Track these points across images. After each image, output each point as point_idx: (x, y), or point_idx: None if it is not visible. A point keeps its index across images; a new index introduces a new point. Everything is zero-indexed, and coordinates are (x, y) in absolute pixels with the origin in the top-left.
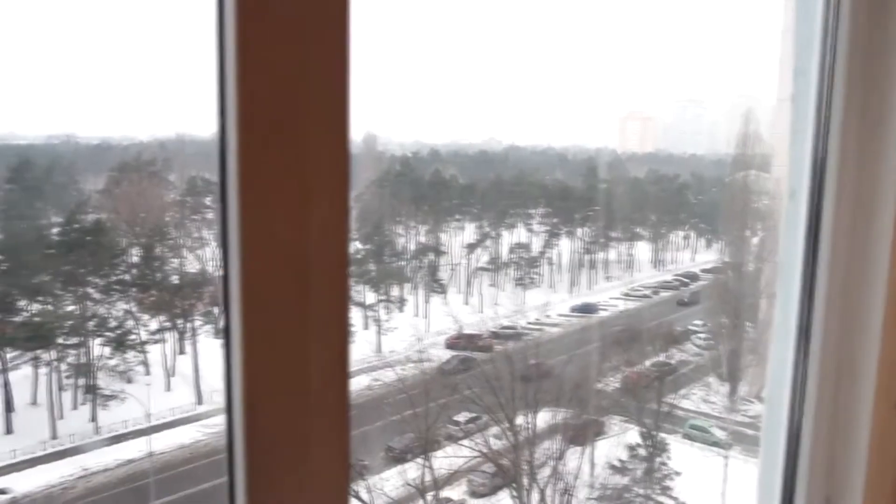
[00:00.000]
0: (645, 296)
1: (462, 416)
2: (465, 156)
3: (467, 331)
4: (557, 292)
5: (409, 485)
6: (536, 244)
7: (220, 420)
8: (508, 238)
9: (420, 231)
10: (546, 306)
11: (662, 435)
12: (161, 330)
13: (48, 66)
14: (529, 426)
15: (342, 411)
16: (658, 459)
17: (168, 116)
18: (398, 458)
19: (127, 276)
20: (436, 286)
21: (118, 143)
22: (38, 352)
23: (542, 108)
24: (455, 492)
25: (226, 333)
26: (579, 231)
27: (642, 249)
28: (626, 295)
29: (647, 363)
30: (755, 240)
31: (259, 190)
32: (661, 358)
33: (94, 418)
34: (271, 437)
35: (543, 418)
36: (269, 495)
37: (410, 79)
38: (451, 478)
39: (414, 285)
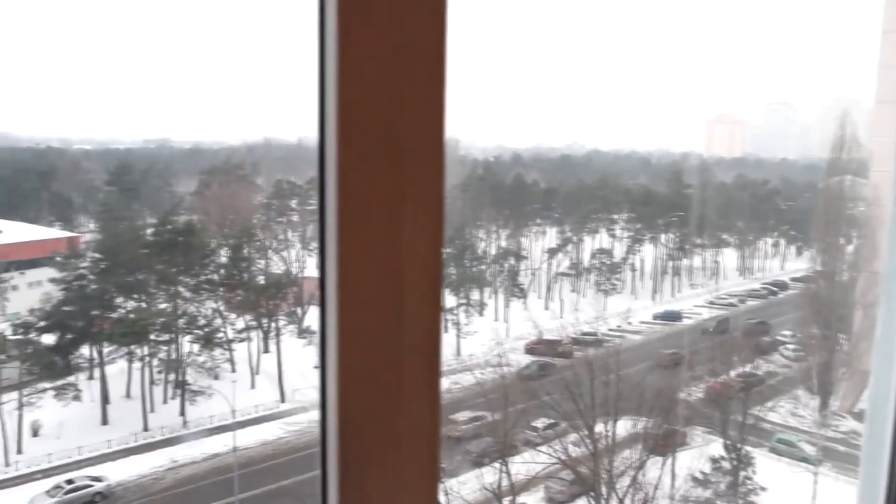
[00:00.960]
0: (731, 304)
1: (540, 422)
2: (547, 160)
3: (547, 336)
4: (639, 299)
5: (486, 489)
6: (619, 250)
7: (301, 418)
8: (590, 243)
9: (501, 235)
10: (628, 313)
11: (748, 448)
12: (247, 329)
13: (145, 74)
14: (609, 434)
15: (433, 412)
16: (743, 473)
17: (256, 122)
18: (476, 461)
19: (215, 276)
20: (516, 291)
21: (209, 147)
22: (133, 347)
23: (627, 112)
24: (532, 498)
25: (321, 333)
26: (663, 237)
27: (729, 256)
28: (712, 303)
29: (733, 373)
30: (850, 248)
31: (356, 194)
32: (748, 368)
33: (182, 412)
34: (363, 435)
35: (623, 426)
36: (360, 491)
37: (493, 82)
38: (529, 483)
39: (494, 289)
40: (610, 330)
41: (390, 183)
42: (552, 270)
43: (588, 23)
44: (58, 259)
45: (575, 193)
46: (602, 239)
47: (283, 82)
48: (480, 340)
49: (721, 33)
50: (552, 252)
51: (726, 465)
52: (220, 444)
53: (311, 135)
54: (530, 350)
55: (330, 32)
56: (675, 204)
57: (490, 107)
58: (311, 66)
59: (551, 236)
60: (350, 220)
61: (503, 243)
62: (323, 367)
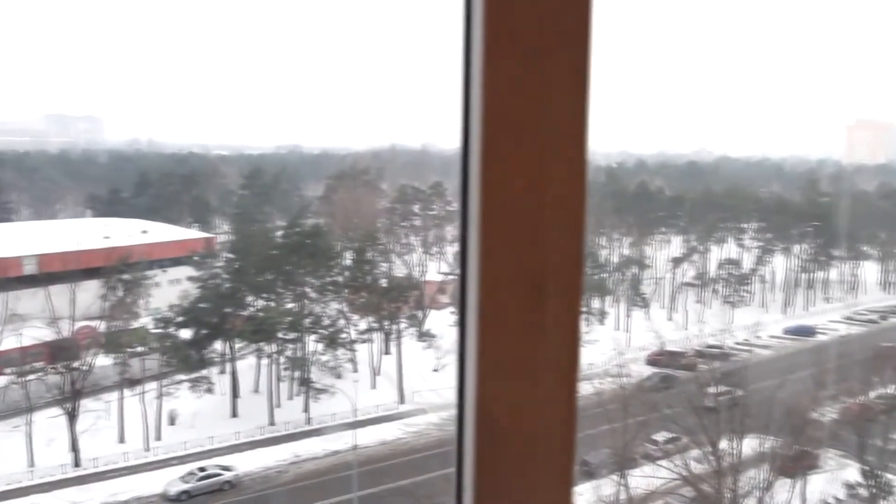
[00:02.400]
0: (871, 321)
1: (661, 436)
2: (673, 167)
3: (670, 348)
4: (770, 312)
5: (602, 501)
6: (748, 260)
7: (419, 420)
8: (717, 253)
9: (623, 243)
10: (756, 326)
11: (888, 476)
12: (369, 330)
13: (279, 83)
14: (734, 452)
15: (569, 418)
16: (882, 502)
17: (382, 128)
18: (593, 472)
19: (340, 278)
20: (638, 300)
21: (337, 152)
22: (261, 344)
23: (759, 117)
24: None
25: (460, 336)
26: (796, 248)
27: (869, 270)
28: (849, 319)
29: (872, 395)
30: None
31: (499, 199)
32: (889, 390)
33: (306, 409)
34: (500, 439)
35: (750, 445)
36: (496, 493)
37: (618, 86)
38: (648, 498)
39: (616, 298)
40: (737, 343)
41: (532, 188)
42: (676, 280)
43: (718, 23)
44: (195, 258)
45: (702, 201)
46: (730, 249)
47: (408, 90)
48: (601, 350)
49: (862, 33)
50: (677, 261)
51: (863, 492)
52: (340, 442)
53: (435, 141)
54: (652, 361)
55: (476, 38)
56: (809, 213)
57: (614, 111)
58: (437, 73)
59: (676, 245)
60: (492, 224)
61: (626, 251)
62: (461, 369)
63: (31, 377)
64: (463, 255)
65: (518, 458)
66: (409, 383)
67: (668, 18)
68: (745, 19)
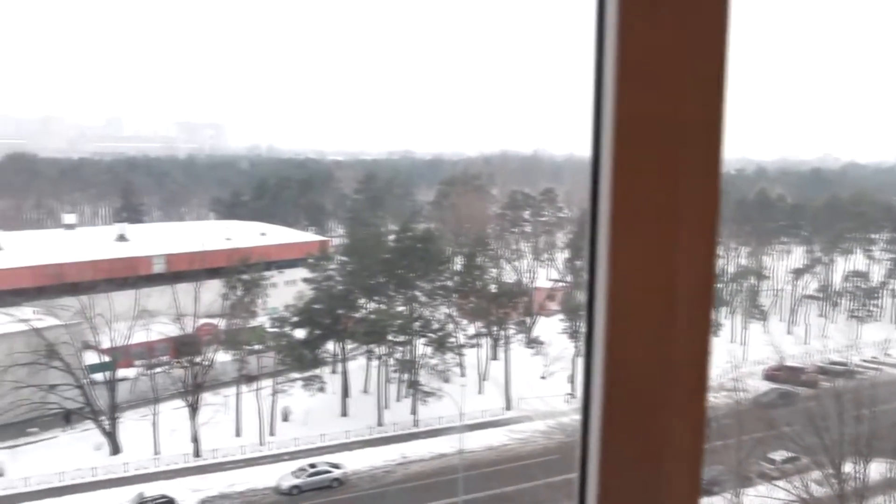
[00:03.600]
0: None
1: (778, 455)
2: (796, 173)
3: (790, 363)
4: None
5: None
6: (877, 273)
7: (526, 427)
8: (843, 265)
9: (741, 253)
10: (887, 343)
11: None
12: (477, 335)
13: (393, 90)
14: (859, 476)
15: (698, 429)
16: None
17: (494, 134)
18: (704, 489)
19: (450, 283)
20: (756, 312)
21: (449, 158)
22: (372, 346)
23: (890, 121)
24: None
25: (587, 343)
26: None
27: None
28: None
29: None
30: None
31: (630, 208)
32: None
33: (414, 411)
34: (626, 447)
35: (877, 469)
36: (621, 498)
37: (737, 90)
38: None
39: (731, 309)
40: (864, 360)
41: (665, 196)
42: (797, 292)
43: (846, 21)
44: (310, 260)
45: (827, 210)
46: (857, 260)
47: (520, 96)
48: (715, 362)
49: None
50: (798, 273)
51: None
52: (447, 445)
53: (546, 146)
54: (770, 376)
55: (609, 38)
56: None
57: (733, 115)
58: (549, 78)
59: (798, 256)
60: (622, 232)
61: (743, 261)
62: (588, 375)
63: (158, 370)
64: (591, 264)
65: (644, 471)
66: (515, 390)
67: (792, 17)
68: (875, 17)
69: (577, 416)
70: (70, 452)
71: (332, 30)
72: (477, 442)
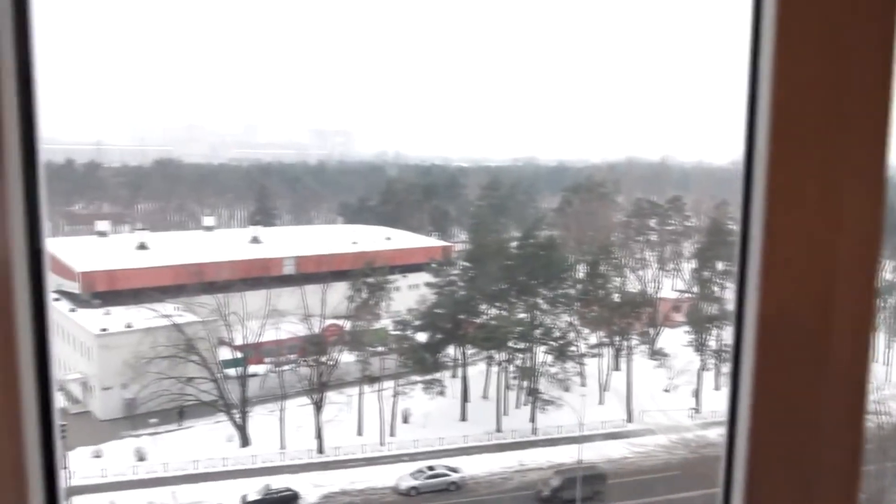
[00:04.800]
0: None
1: None
2: None
3: None
4: None
5: None
6: None
7: (647, 441)
8: None
9: (887, 266)
10: None
11: None
12: (599, 345)
13: (519, 97)
14: None
15: (854, 452)
16: None
17: (619, 141)
18: None
19: (572, 291)
20: None
21: (573, 165)
22: (492, 352)
23: None
24: None
25: (735, 354)
26: None
27: None
28: None
29: None
30: None
31: (786, 215)
32: None
33: (532, 419)
34: (774, 467)
35: None
36: None
37: None
38: None
39: (875, 326)
40: None
41: (824, 204)
42: None
43: None
44: (434, 265)
45: None
46: None
47: (646, 102)
48: None
49: None
50: None
51: None
52: (565, 455)
53: (674, 153)
54: None
55: (766, 41)
56: None
57: None
58: (676, 84)
59: None
60: (776, 241)
61: (888, 275)
62: (734, 389)
63: (286, 368)
64: (741, 274)
65: (794, 494)
66: (637, 402)
67: None
68: None
69: (701, 433)
70: (204, 442)
71: (459, 37)
72: (596, 453)
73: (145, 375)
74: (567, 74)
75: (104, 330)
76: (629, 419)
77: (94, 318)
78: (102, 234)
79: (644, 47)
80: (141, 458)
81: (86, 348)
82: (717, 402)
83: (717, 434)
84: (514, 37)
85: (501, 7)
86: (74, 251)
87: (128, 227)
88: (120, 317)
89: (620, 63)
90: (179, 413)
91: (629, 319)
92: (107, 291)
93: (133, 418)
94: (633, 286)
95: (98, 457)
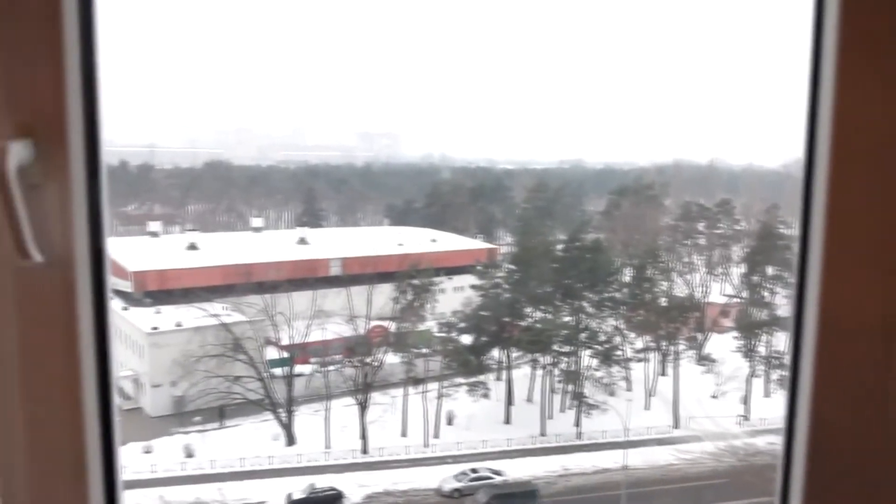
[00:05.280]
0: None
1: None
2: None
3: None
4: None
5: None
6: None
7: (694, 447)
8: None
9: None
10: None
11: None
12: (645, 349)
13: (563, 100)
14: None
15: None
16: None
17: (667, 143)
18: None
19: (618, 295)
20: None
21: (620, 167)
22: (537, 355)
23: None
24: None
25: (793, 359)
26: None
27: None
28: None
29: None
30: None
31: (846, 217)
32: None
33: (577, 423)
34: (834, 481)
35: None
36: None
37: None
38: None
39: None
40: None
41: (885, 210)
42: None
43: None
44: (479, 268)
45: None
46: None
47: (694, 103)
48: None
49: None
50: None
51: None
52: (610, 460)
53: (723, 156)
54: None
55: (828, 45)
56: None
57: None
58: (726, 85)
59: None
60: (837, 250)
61: None
62: (792, 396)
63: (331, 368)
64: (800, 279)
65: (855, 497)
66: (684, 408)
67: None
68: None
69: (750, 440)
70: (251, 440)
71: (507, 39)
72: (641, 459)
73: (194, 373)
74: (615, 75)
75: (155, 328)
76: (676, 425)
77: (146, 317)
78: (154, 234)
79: (694, 48)
80: (189, 455)
81: (137, 346)
82: (766, 409)
83: (767, 442)
84: (562, 37)
85: (550, 8)
86: (127, 251)
87: (178, 227)
88: (170, 316)
89: (669, 64)
90: (221, 412)
91: (676, 324)
92: (158, 291)
93: (182, 415)
94: (680, 290)
95: (148, 452)
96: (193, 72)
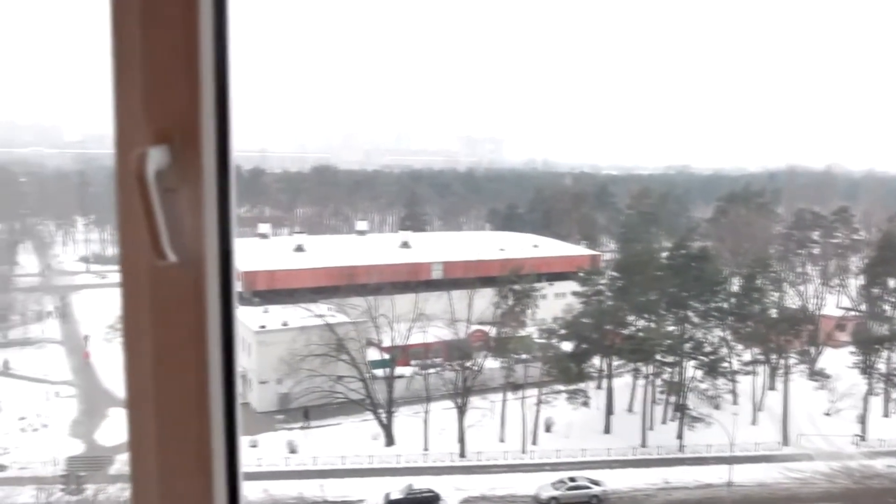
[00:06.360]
0: None
1: None
2: None
3: None
4: None
5: None
6: None
7: (805, 467)
8: None
9: None
10: None
11: None
12: (753, 362)
13: (671, 104)
14: None
15: None
16: None
17: (780, 148)
18: None
19: (725, 305)
20: None
21: (729, 173)
22: (639, 364)
23: None
24: None
25: None
26: None
27: None
28: None
29: None
30: None
31: None
32: None
33: (680, 436)
34: None
35: None
36: None
37: None
38: None
39: None
40: None
41: None
42: None
43: None
44: (581, 274)
45: None
46: None
47: (810, 105)
48: None
49: None
50: None
51: None
52: (714, 475)
53: (841, 161)
54: None
55: None
56: None
57: None
58: (845, 87)
59: None
60: None
61: None
62: None
63: (431, 371)
64: None
65: None
66: (795, 424)
67: None
68: None
69: (866, 462)
70: (351, 439)
71: (612, 43)
72: (747, 476)
73: (299, 372)
74: (725, 77)
75: (262, 327)
76: (785, 442)
77: (254, 316)
78: (264, 236)
79: (812, 44)
80: (292, 451)
81: (246, 344)
82: (885, 429)
83: (886, 465)
84: (671, 39)
85: (658, 10)
86: (238, 251)
87: (287, 230)
88: (277, 315)
89: (783, 64)
90: (305, 413)
91: (787, 337)
92: (266, 290)
93: (286, 412)
94: (792, 302)
95: (254, 446)
96: (302, 78)
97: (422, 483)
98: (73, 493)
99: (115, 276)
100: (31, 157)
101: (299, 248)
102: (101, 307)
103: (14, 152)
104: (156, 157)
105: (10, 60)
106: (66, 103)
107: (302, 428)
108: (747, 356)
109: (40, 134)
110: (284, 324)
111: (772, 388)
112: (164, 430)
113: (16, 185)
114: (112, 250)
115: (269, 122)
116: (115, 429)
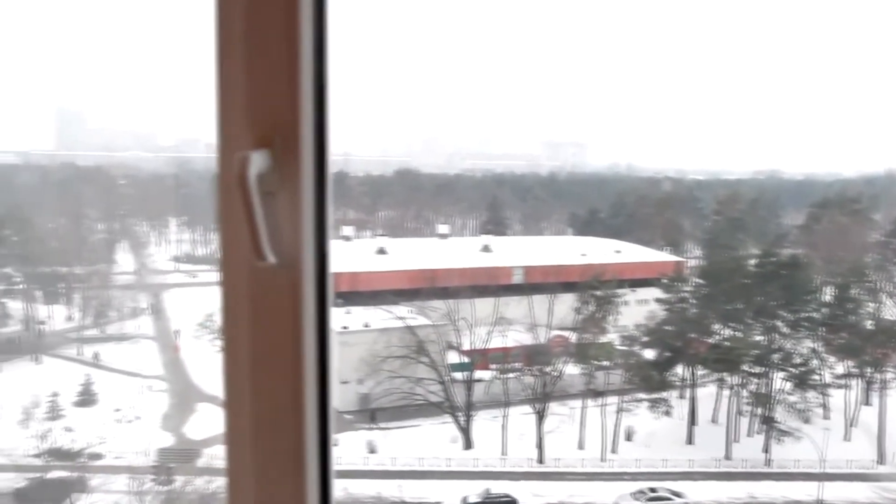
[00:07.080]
0: None
1: None
2: None
3: None
4: None
5: None
6: None
7: None
8: None
9: None
10: None
11: None
12: (847, 375)
13: (760, 108)
14: None
15: None
16: None
17: (878, 152)
18: None
19: (816, 315)
20: None
21: (822, 179)
22: (724, 374)
23: None
24: None
25: None
26: None
27: None
28: None
29: None
30: None
31: None
32: None
33: (766, 449)
34: None
35: None
36: None
37: None
38: None
39: None
40: None
41: None
42: None
43: None
44: (664, 281)
45: None
46: None
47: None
48: None
49: None
50: None
51: None
52: (803, 492)
53: None
54: None
55: None
56: None
57: None
58: None
59: None
60: None
61: None
62: None
63: (511, 375)
64: None
65: None
66: (892, 442)
67: None
68: None
69: None
70: (430, 441)
71: (696, 46)
72: (839, 494)
73: (379, 373)
74: (818, 79)
75: (345, 328)
76: (880, 460)
77: (337, 316)
78: (347, 238)
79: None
80: (372, 451)
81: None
82: None
83: None
84: (761, 38)
85: (750, 11)
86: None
87: (369, 232)
88: (359, 316)
89: (880, 62)
90: (372, 415)
91: (884, 350)
92: (348, 292)
93: (366, 412)
94: (890, 313)
95: (335, 445)
96: (385, 83)
97: (499, 488)
98: (163, 484)
99: (206, 276)
100: (129, 160)
101: (381, 251)
102: (191, 305)
103: (114, 156)
104: (257, 161)
105: (110, 72)
106: (160, 110)
107: (372, 429)
108: (840, 369)
109: (137, 139)
110: (366, 325)
111: (867, 402)
112: (260, 428)
113: (116, 187)
114: (202, 250)
115: (353, 127)
116: (203, 423)
